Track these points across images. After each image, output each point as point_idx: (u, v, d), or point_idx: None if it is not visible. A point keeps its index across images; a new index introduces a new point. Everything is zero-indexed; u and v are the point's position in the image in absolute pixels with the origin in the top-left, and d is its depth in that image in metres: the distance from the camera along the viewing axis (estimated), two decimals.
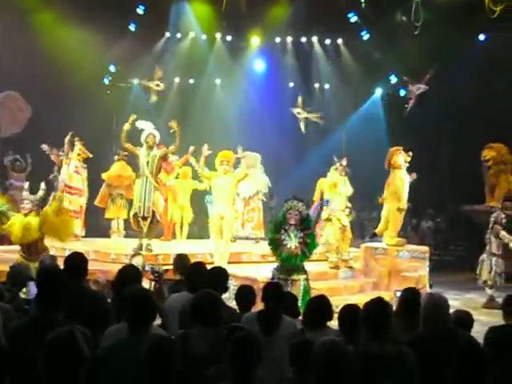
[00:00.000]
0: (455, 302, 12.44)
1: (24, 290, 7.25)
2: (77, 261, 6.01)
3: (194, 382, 4.44)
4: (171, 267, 7.85)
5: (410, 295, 5.76)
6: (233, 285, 9.51)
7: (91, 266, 6.37)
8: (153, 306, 4.70)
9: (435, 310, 5.11)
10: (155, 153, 12.64)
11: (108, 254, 11.88)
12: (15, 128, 19.79)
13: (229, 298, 6.44)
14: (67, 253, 8.57)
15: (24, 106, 19.78)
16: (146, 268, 7.67)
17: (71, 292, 4.78)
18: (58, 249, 12.14)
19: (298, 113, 20.52)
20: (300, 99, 20.53)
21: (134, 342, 4.40)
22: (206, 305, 5.02)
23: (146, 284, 7.72)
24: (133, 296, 4.72)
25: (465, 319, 5.94)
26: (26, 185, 11.36)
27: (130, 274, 6.18)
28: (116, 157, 16.14)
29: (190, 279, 6.42)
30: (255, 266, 12.21)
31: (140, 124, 12.97)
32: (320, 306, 5.55)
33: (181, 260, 7.72)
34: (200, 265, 6.84)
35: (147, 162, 12.54)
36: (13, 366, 4.16)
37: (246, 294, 6.32)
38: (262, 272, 11.29)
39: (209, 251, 12.15)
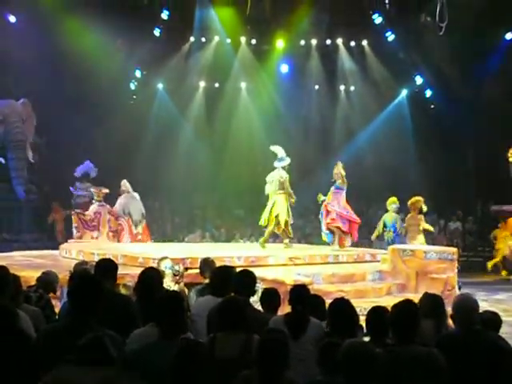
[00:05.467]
0: (484, 303, 12.35)
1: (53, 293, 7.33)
2: (107, 266, 6.09)
3: None
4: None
5: (433, 297, 5.78)
6: (261, 288, 9.52)
7: (120, 271, 6.42)
8: (184, 313, 4.78)
9: (465, 311, 5.10)
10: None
11: (136, 258, 11.92)
12: (31, 135, 19.78)
13: (257, 301, 6.45)
14: (96, 258, 8.66)
15: (32, 113, 19.75)
16: (166, 269, 7.76)
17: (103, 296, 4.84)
18: (86, 253, 12.26)
19: None
20: None
21: (165, 346, 4.45)
22: (232, 311, 5.05)
23: (174, 287, 7.80)
24: (165, 301, 4.79)
25: (492, 320, 5.91)
26: None
27: (150, 277, 6.22)
28: None
29: (213, 283, 6.47)
30: (283, 269, 12.17)
31: (274, 148, 14.17)
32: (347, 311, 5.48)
33: (206, 263, 7.80)
34: (225, 269, 6.84)
35: None
36: (43, 369, 4.21)
37: (270, 296, 6.35)
38: (290, 275, 11.28)
39: (237, 255, 12.15)
